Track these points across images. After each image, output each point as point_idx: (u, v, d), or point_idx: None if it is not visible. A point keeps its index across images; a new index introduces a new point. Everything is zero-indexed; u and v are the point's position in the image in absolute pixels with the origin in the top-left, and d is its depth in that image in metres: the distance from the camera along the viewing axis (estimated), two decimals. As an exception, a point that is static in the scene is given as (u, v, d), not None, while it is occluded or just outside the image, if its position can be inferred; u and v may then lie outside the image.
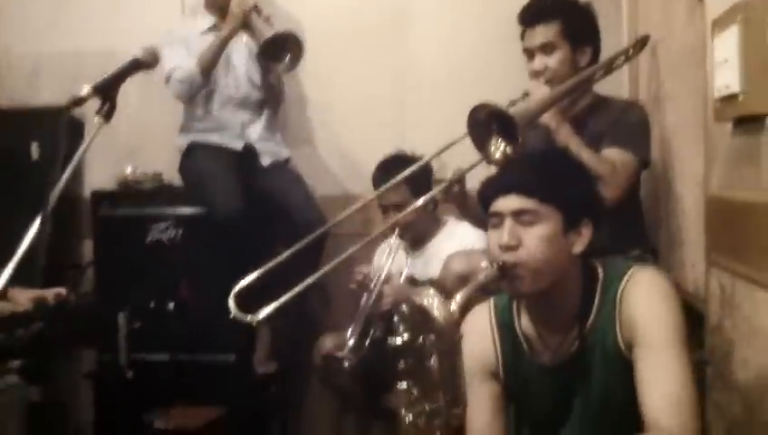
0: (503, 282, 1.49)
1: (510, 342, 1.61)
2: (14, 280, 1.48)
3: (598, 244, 1.54)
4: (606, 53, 2.34)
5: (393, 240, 2.75)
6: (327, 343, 2.71)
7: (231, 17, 2.85)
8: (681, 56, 2.21)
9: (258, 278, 2.46)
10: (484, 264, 1.49)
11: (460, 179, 2.21)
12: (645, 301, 1.47)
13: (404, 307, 1.36)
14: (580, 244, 1.51)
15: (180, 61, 2.90)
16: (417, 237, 2.72)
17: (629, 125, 2.24)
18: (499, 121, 1.97)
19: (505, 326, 1.62)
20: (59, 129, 3.12)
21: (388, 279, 2.63)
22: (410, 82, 3.20)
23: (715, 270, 1.74)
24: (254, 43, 2.92)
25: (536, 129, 2.14)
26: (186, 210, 3.00)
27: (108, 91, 1.62)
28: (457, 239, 2.57)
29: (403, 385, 1.35)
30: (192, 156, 3.01)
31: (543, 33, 2.26)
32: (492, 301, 1.66)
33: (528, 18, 2.30)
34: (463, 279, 2.14)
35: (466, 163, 2.13)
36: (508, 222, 1.49)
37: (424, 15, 3.23)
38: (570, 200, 1.50)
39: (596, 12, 2.39)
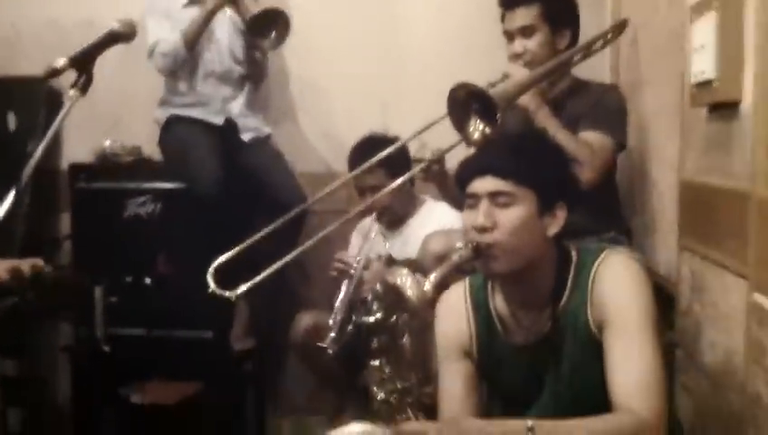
0: (477, 262, 1.51)
1: (484, 321, 1.63)
2: (-10, 251, 1.46)
3: (573, 225, 1.56)
4: (589, 36, 2.34)
5: (369, 222, 2.75)
6: (305, 320, 2.72)
7: None
8: (662, 41, 2.22)
9: (237, 254, 2.47)
10: (459, 244, 1.50)
11: (439, 160, 2.22)
12: (616, 284, 1.49)
13: (378, 286, 1.37)
14: (554, 226, 1.53)
15: (164, 34, 2.86)
16: (394, 218, 2.73)
17: (607, 108, 2.26)
18: (478, 102, 1.98)
19: (480, 306, 1.64)
20: (36, 99, 3.12)
21: (367, 265, 2.62)
22: (395, 59, 3.19)
23: (686, 254, 1.77)
24: (239, 17, 2.89)
25: (515, 110, 2.15)
26: (164, 185, 2.98)
27: (84, 63, 1.60)
28: (435, 219, 2.58)
29: (376, 363, 1.37)
30: (172, 130, 2.99)
31: (523, 15, 2.27)
32: (467, 281, 1.68)
33: (508, 1, 2.31)
34: (441, 259, 2.15)
35: (446, 143, 2.14)
36: (484, 203, 1.50)
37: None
38: (545, 183, 1.52)
39: None
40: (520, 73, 2.15)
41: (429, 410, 1.45)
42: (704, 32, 1.54)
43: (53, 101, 3.00)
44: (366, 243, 2.68)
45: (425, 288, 1.35)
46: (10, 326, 2.32)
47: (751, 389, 1.32)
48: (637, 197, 2.55)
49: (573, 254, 1.57)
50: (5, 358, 2.36)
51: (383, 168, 2.48)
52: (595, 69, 2.63)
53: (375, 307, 1.33)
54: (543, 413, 1.48)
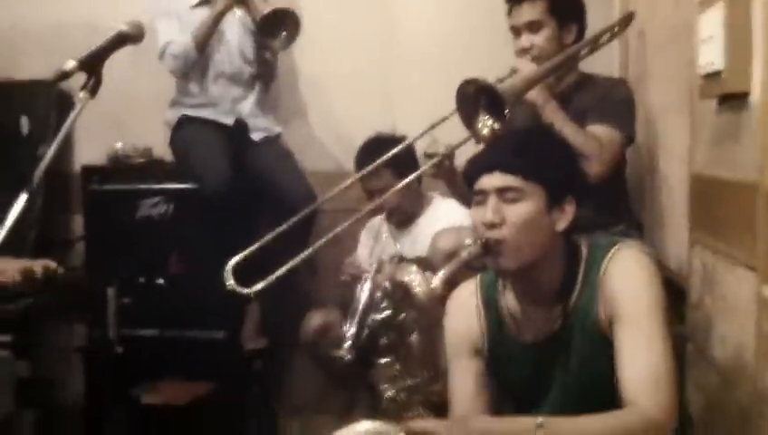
0: (486, 259, 1.51)
1: (494, 318, 1.63)
2: (3, 252, 1.47)
3: (582, 220, 1.56)
4: (598, 29, 2.33)
5: (379, 221, 2.75)
6: (315, 319, 2.73)
7: None
8: (669, 33, 2.21)
9: (250, 253, 2.47)
10: (468, 241, 1.50)
11: (450, 155, 2.21)
12: (626, 278, 1.48)
13: (387, 284, 1.37)
14: (563, 221, 1.52)
15: (174, 35, 2.88)
16: (404, 217, 2.73)
17: (615, 102, 2.25)
18: (487, 97, 1.97)
19: (490, 303, 1.64)
20: (47, 103, 3.14)
21: (380, 268, 2.62)
22: (399, 56, 3.18)
23: (697, 247, 1.76)
24: (248, 17, 2.90)
25: (523, 105, 2.15)
26: (176, 186, 2.99)
27: (93, 65, 1.60)
28: (444, 216, 2.57)
29: (385, 360, 1.37)
30: (182, 130, 3.00)
31: (530, 10, 2.26)
32: (478, 278, 1.68)
33: None
34: (450, 256, 2.14)
35: (454, 139, 2.14)
36: (492, 199, 1.50)
37: None
38: (553, 178, 1.51)
39: None
40: (527, 68, 2.14)
41: (438, 408, 1.45)
42: (712, 23, 1.53)
43: (64, 104, 3.02)
44: (377, 245, 2.68)
45: (433, 285, 1.35)
46: (23, 327, 2.34)
47: (761, 383, 1.32)
48: (647, 191, 2.53)
49: (583, 249, 1.56)
50: (19, 359, 2.38)
51: (390, 168, 2.48)
52: (603, 63, 2.62)
53: (384, 304, 1.33)
54: (553, 410, 1.48)
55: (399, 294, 1.33)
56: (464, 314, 1.65)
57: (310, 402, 3.16)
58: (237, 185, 2.83)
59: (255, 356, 3.00)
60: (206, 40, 2.89)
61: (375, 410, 1.48)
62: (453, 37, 3.11)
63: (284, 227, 2.12)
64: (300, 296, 3.04)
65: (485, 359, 1.63)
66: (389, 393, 1.41)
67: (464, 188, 1.95)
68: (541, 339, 1.56)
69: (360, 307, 2.56)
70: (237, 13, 2.93)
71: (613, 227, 2.22)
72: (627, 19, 2.34)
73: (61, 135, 1.58)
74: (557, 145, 1.65)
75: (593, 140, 2.13)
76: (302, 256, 2.02)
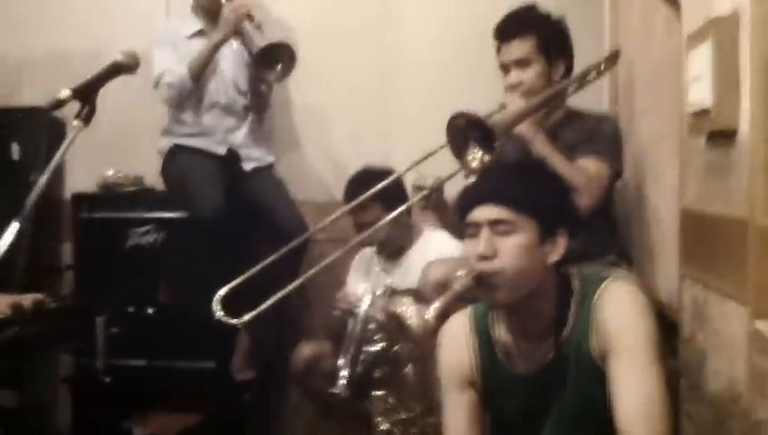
0: (479, 291, 1.51)
1: (486, 350, 1.63)
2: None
3: (572, 251, 1.57)
4: (587, 64, 2.37)
5: (369, 253, 2.76)
6: (306, 350, 2.71)
7: (224, 23, 2.84)
8: (659, 69, 2.24)
9: (240, 283, 2.46)
10: (460, 273, 1.51)
11: (438, 188, 2.23)
12: (619, 310, 1.49)
13: (381, 316, 1.37)
14: (555, 253, 1.54)
15: (169, 65, 2.89)
16: (394, 249, 2.72)
17: (602, 137, 2.29)
18: (477, 130, 1.99)
19: (482, 335, 1.64)
20: (40, 129, 3.14)
21: (373, 301, 2.61)
22: (396, 87, 3.22)
23: (688, 282, 1.77)
24: (244, 48, 2.92)
25: (512, 139, 2.17)
26: (166, 214, 2.99)
27: (87, 94, 1.62)
28: (434, 248, 2.57)
29: (379, 393, 1.36)
30: (174, 159, 3.01)
31: (519, 48, 2.30)
32: (470, 309, 1.68)
33: (503, 33, 2.35)
34: (441, 287, 2.15)
35: (445, 172, 2.15)
36: (485, 232, 1.51)
37: (409, 20, 3.24)
38: (545, 210, 1.53)
39: (569, 27, 2.43)
40: (516, 104, 2.17)
41: (433, 441, 1.44)
42: (700, 61, 1.56)
43: (57, 132, 3.02)
44: (368, 277, 2.68)
45: (427, 317, 1.35)
46: (10, 356, 2.31)
47: (754, 416, 1.32)
48: (636, 223, 2.55)
49: (575, 282, 1.57)
50: (5, 388, 2.35)
51: (379, 202, 2.48)
52: (593, 97, 2.65)
53: (378, 337, 1.33)
54: (546, 443, 1.47)
55: (393, 327, 1.33)
56: (456, 346, 1.65)
57: (301, 434, 3.13)
58: (229, 214, 2.83)
59: (247, 387, 2.98)
60: (201, 70, 2.90)
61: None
62: (450, 70, 3.15)
63: (272, 257, 2.13)
64: (291, 327, 3.03)
65: (479, 391, 1.63)
66: (384, 426, 1.41)
67: (454, 219, 1.96)
68: (534, 371, 1.56)
69: (354, 342, 2.55)
70: (233, 44, 2.95)
71: (602, 259, 2.24)
72: (613, 57, 2.38)
73: (53, 163, 1.58)
74: (549, 178, 1.66)
75: (582, 172, 2.16)
76: (291, 286, 2.02)
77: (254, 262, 2.83)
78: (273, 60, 2.82)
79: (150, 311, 2.90)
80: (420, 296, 2.14)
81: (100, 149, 3.14)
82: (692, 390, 1.72)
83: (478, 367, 1.63)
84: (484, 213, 1.51)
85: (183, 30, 3.00)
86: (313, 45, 3.11)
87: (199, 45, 2.92)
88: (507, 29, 2.35)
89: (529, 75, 2.29)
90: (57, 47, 3.32)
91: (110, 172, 3.11)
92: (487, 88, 2.46)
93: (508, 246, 1.49)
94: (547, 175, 1.68)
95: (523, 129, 2.18)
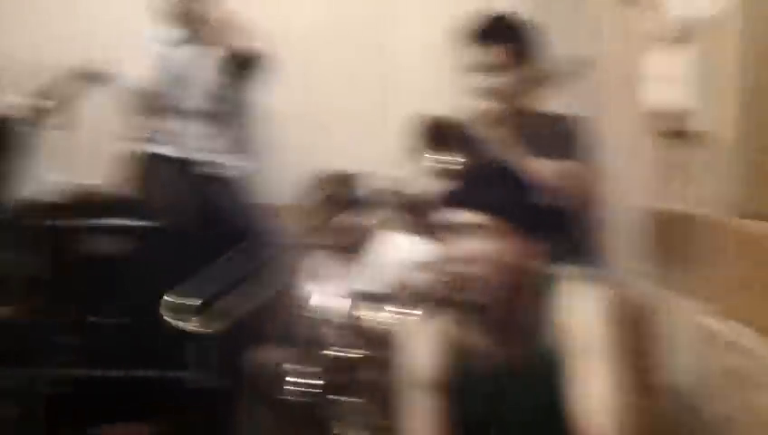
0: (455, 294, 1.51)
1: (455, 352, 1.63)
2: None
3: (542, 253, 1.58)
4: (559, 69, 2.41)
5: (326, 258, 2.75)
6: (262, 356, 2.68)
7: (208, 34, 2.82)
8: (625, 72, 2.28)
9: (201, 290, 2.44)
10: (436, 277, 1.50)
11: (416, 195, 2.23)
12: (581, 310, 1.51)
13: (345, 321, 1.36)
14: (531, 257, 1.54)
15: (137, 70, 2.85)
16: (353, 253, 2.71)
17: (572, 139, 2.32)
18: (451, 134, 2.00)
19: (449, 337, 1.64)
20: (6, 136, 3.05)
21: (330, 306, 2.60)
22: (392, 90, 3.22)
23: (653, 280, 1.80)
24: (214, 55, 2.88)
25: (485, 142, 2.19)
26: (129, 222, 2.94)
27: (64, 103, 1.59)
28: (393, 250, 2.58)
29: (347, 399, 1.35)
30: (142, 166, 2.96)
31: (494, 53, 2.33)
32: (438, 312, 1.67)
33: (479, 37, 2.37)
34: (408, 289, 2.17)
35: (419, 175, 2.15)
36: (462, 236, 1.51)
37: (404, 22, 3.25)
38: (521, 214, 1.53)
39: (542, 32, 2.46)
40: (491, 108, 2.19)
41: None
42: (662, 63, 1.59)
43: (13, 139, 2.94)
44: (327, 281, 2.66)
45: (400, 323, 1.34)
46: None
47: (721, 410, 1.34)
48: (603, 222, 2.59)
49: (544, 284, 1.58)
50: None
51: (339, 205, 2.47)
52: (564, 100, 2.67)
53: (348, 343, 1.32)
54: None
55: (363, 333, 1.32)
56: (423, 349, 1.64)
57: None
58: (192, 222, 2.79)
59: (210, 395, 2.93)
60: (169, 76, 2.86)
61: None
62: (446, 72, 3.14)
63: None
64: (248, 333, 3.00)
65: (445, 393, 1.63)
66: (351, 432, 1.39)
67: (429, 222, 1.96)
68: (500, 372, 1.57)
69: (312, 347, 2.54)
70: (203, 49, 2.91)
71: (571, 258, 2.27)
72: (584, 63, 2.42)
73: (10, 170, 1.54)
74: (523, 181, 1.67)
75: (555, 174, 2.18)
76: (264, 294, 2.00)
77: (215, 267, 2.81)
78: (244, 67, 2.80)
79: (112, 320, 2.84)
80: (383, 299, 2.14)
81: (64, 155, 3.06)
82: (663, 386, 1.74)
83: (446, 369, 1.63)
84: (461, 217, 1.51)
85: (159, 37, 2.95)
86: (303, 49, 3.09)
87: (177, 53, 2.89)
88: (481, 34, 2.37)
89: (501, 80, 2.33)
90: (31, 51, 3.22)
91: (72, 179, 3.05)
92: (456, 93, 2.48)
93: (485, 250, 1.49)
94: (521, 178, 1.69)
95: (495, 133, 2.21)
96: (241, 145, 3.12)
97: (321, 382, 2.45)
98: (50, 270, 2.93)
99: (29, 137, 1.56)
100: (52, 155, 2.88)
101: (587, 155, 2.34)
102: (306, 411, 2.54)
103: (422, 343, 1.64)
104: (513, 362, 1.54)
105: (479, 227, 1.50)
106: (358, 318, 1.34)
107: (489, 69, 2.32)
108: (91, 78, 1.65)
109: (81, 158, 3.14)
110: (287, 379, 2.47)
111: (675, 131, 1.61)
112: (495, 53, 2.31)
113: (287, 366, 2.57)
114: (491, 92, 2.29)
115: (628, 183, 2.29)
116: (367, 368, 1.37)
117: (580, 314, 1.50)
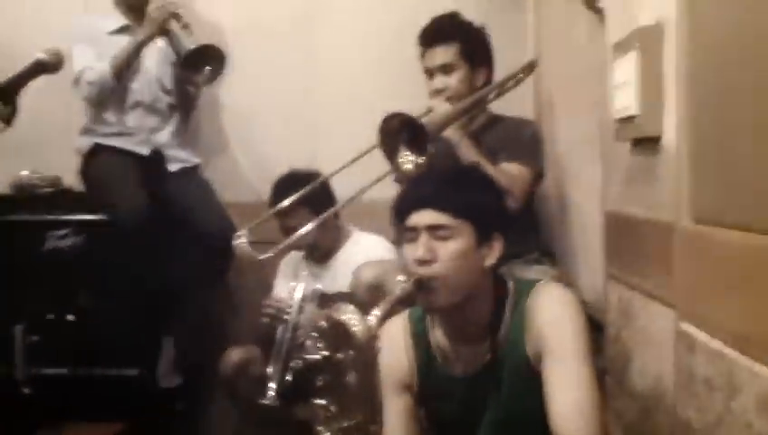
0: (418, 296, 1.53)
1: (423, 353, 1.65)
2: None
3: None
4: (511, 69, 2.42)
5: (297, 257, 2.74)
6: (234, 355, 2.67)
7: (149, 22, 2.77)
8: (581, 75, 2.31)
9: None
10: (399, 277, 1.52)
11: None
12: (551, 313, 1.53)
13: (322, 323, 1.37)
14: (491, 257, 1.57)
15: (90, 62, 2.79)
16: (322, 253, 2.71)
17: (524, 141, 2.37)
18: (409, 132, 2.01)
19: (419, 337, 1.66)
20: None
21: (302, 309, 2.60)
22: (322, 89, 3.20)
23: (613, 282, 1.84)
24: (171, 48, 2.84)
25: (438, 143, 2.20)
26: (86, 216, 2.88)
27: (9, 93, 1.56)
28: (363, 251, 2.57)
29: (321, 401, 1.36)
30: (94, 159, 2.91)
31: (443, 53, 2.37)
32: (407, 312, 1.69)
33: (427, 39, 2.41)
34: (373, 289, 2.18)
35: (375, 175, 2.15)
36: (423, 237, 1.52)
37: (336, 20, 3.23)
38: (482, 215, 1.55)
39: (492, 34, 2.50)
40: (443, 108, 2.22)
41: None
42: (625, 69, 1.62)
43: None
44: (296, 282, 2.66)
45: (370, 324, 1.35)
46: None
47: (681, 414, 1.38)
48: (560, 225, 2.63)
49: (510, 284, 1.61)
50: None
51: (305, 206, 2.44)
52: (517, 103, 2.70)
53: (320, 345, 1.33)
54: (484, 444, 1.50)
55: (336, 334, 1.33)
56: (393, 349, 1.66)
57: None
58: (152, 217, 2.75)
59: (173, 394, 2.91)
60: (124, 68, 2.81)
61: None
62: (376, 70, 3.16)
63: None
64: (217, 333, 2.98)
65: (415, 394, 1.65)
66: (327, 435, 1.40)
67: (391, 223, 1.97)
68: (470, 373, 1.59)
69: (284, 349, 2.54)
70: (158, 42, 2.87)
71: (526, 256, 2.31)
72: (530, 66, 2.46)
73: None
74: (484, 182, 1.69)
75: (505, 176, 2.21)
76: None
77: (178, 265, 2.78)
78: (201, 62, 2.77)
79: (71, 317, 2.79)
80: (352, 299, 2.15)
81: (14, 148, 2.99)
82: (618, 387, 1.78)
83: (415, 370, 1.65)
84: (422, 218, 1.53)
85: (104, 26, 2.91)
86: (240, 46, 3.07)
87: (122, 42, 2.84)
88: (431, 35, 2.41)
89: (453, 80, 2.37)
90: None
91: (26, 172, 2.98)
92: (414, 89, 2.50)
93: (447, 250, 1.51)
94: (482, 180, 1.71)
95: (449, 133, 2.23)
96: (191, 139, 3.09)
97: (293, 384, 2.47)
98: (11, 266, 2.87)
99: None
100: (6, 147, 2.82)
101: (540, 157, 2.39)
102: (277, 414, 2.54)
103: (395, 343, 1.65)
104: (484, 361, 1.57)
105: (444, 227, 1.52)
106: (342, 321, 1.34)
107: (440, 68, 2.36)
108: (39, 66, 1.61)
109: (31, 150, 3.09)
110: (256, 379, 2.47)
111: (631, 137, 1.64)
112: (445, 53, 2.35)
113: (256, 366, 2.57)
114: (442, 92, 2.32)
115: (583, 185, 2.33)
116: (338, 369, 1.37)
117: (550, 316, 1.52)
